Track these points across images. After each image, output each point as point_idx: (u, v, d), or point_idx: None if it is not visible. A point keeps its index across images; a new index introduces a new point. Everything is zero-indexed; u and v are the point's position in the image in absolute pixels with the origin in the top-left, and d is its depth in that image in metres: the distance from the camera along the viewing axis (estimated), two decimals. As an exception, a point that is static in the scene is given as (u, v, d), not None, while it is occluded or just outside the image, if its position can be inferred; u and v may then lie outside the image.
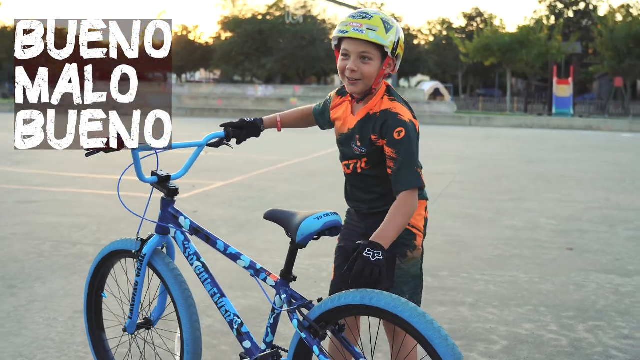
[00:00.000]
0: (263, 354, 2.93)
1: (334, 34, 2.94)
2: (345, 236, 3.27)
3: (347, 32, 2.85)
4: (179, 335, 3.22)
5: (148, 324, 3.46)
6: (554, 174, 13.91)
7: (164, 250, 3.36)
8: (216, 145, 3.38)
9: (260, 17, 66.60)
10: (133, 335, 3.51)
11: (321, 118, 3.38)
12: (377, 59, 2.88)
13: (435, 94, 50.50)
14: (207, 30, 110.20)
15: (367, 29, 2.82)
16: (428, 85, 52.72)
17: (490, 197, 10.62)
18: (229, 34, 68.36)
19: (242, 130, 3.39)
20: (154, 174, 3.26)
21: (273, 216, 2.90)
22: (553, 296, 5.60)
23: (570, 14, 69.23)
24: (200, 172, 12.72)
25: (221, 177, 12.20)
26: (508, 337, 4.65)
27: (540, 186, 12.06)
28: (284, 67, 64.82)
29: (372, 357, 3.06)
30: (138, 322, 3.45)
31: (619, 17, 47.00)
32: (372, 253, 2.61)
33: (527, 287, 5.83)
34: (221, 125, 3.43)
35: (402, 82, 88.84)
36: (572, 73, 42.96)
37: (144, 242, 3.32)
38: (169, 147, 3.07)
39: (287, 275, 2.84)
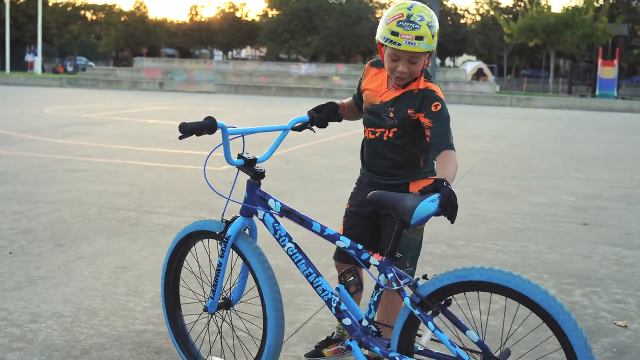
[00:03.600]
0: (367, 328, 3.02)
1: (384, 38, 3.12)
2: (356, 202, 3.60)
3: (400, 44, 3.06)
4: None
5: (227, 304, 3.48)
6: (585, 154, 14.19)
7: (247, 232, 3.40)
8: (300, 129, 3.48)
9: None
10: (212, 315, 3.56)
11: (359, 102, 3.63)
12: (423, 58, 3.17)
13: (479, 74, 50.37)
14: (254, 8, 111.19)
15: (417, 39, 3.05)
16: (471, 65, 52.55)
17: (518, 175, 10.98)
18: (275, 12, 68.80)
19: (320, 113, 3.51)
20: (240, 156, 3.29)
21: (380, 199, 2.84)
22: (557, 265, 6.01)
23: (620, -6, 68.20)
24: (239, 146, 13.27)
25: (257, 152, 12.68)
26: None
27: (569, 165, 12.37)
28: (329, 45, 65.09)
29: (485, 330, 3.18)
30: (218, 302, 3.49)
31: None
32: (450, 186, 2.74)
33: (535, 257, 6.23)
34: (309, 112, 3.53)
35: (448, 62, 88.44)
36: (618, 55, 42.60)
37: (228, 223, 3.35)
38: (256, 130, 3.27)
39: (392, 254, 2.89)
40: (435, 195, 2.69)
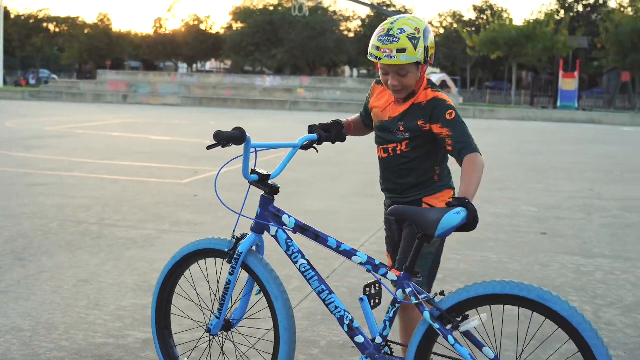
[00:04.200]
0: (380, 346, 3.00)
1: (370, 54, 3.15)
2: (387, 227, 3.53)
3: (380, 58, 3.08)
4: None
5: (228, 324, 3.40)
6: (546, 166, 14.38)
7: (254, 248, 3.34)
8: (306, 147, 3.46)
9: (271, 8, 67.01)
10: (214, 337, 3.45)
11: (367, 120, 3.60)
12: (413, 70, 3.14)
13: (442, 86, 50.78)
14: (218, 21, 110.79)
15: (397, 52, 3.04)
16: (435, 77, 52.90)
17: (480, 186, 11.03)
18: (240, 25, 68.80)
19: (330, 133, 3.50)
20: (253, 172, 3.21)
21: (403, 213, 2.89)
22: (517, 274, 6.09)
23: (580, 8, 69.33)
24: (202, 159, 13.26)
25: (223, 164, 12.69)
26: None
27: (530, 177, 12.53)
28: (294, 57, 65.22)
29: (499, 347, 3.23)
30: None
31: (629, 11, 47.20)
32: (472, 204, 2.81)
33: (495, 266, 6.32)
34: (310, 127, 3.53)
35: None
36: (578, 67, 43.25)
37: (238, 240, 3.29)
38: (268, 146, 3.24)
39: (412, 269, 2.89)
40: (460, 208, 2.74)
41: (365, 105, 3.57)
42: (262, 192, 3.27)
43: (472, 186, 2.98)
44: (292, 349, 3.18)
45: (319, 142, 3.47)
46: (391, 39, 3.06)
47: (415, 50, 3.06)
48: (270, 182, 3.24)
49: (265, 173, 3.23)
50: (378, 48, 3.08)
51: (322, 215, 8.37)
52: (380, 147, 3.39)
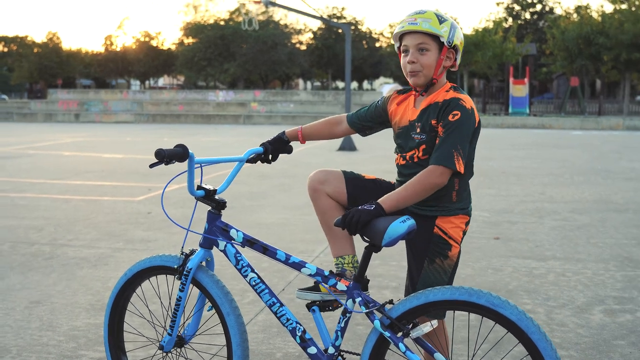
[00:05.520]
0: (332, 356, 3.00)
1: (394, 34, 3.15)
2: None
3: (403, 27, 3.06)
4: None
5: (181, 341, 3.38)
6: (497, 171, 14.57)
7: (204, 264, 3.33)
8: (254, 160, 3.46)
9: (222, 23, 66.95)
10: (167, 353, 3.41)
11: (361, 121, 3.48)
12: (434, 49, 3.05)
13: (395, 96, 51.05)
14: (169, 37, 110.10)
15: (421, 21, 3.02)
16: (388, 87, 53.32)
17: (432, 194, 11.16)
18: (191, 40, 68.61)
19: (273, 146, 3.48)
20: (200, 187, 3.21)
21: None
22: (471, 279, 6.16)
23: (527, 15, 70.44)
24: (157, 176, 13.17)
25: (177, 180, 12.65)
26: (422, 314, 5.17)
27: (481, 182, 12.67)
28: (246, 71, 65.23)
29: (451, 351, 3.20)
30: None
31: (575, 17, 48.10)
32: (363, 205, 2.78)
33: (449, 272, 6.37)
34: (261, 145, 3.50)
35: (366, 84, 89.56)
36: (528, 73, 43.90)
37: (187, 256, 3.27)
38: (213, 161, 3.21)
39: (361, 279, 2.89)
40: (405, 217, 2.74)
41: (369, 107, 3.47)
42: (209, 208, 3.25)
43: (399, 197, 2.88)
44: None
45: (265, 154, 3.45)
46: (418, 11, 3.09)
47: (440, 25, 3.03)
48: (217, 197, 3.22)
49: (211, 188, 3.21)
50: (403, 21, 3.10)
51: (277, 228, 8.38)
52: (400, 155, 3.26)
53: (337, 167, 15.15)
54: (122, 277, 3.46)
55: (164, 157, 2.89)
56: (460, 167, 2.93)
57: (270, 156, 3.51)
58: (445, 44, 3.04)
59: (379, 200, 2.85)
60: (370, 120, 3.45)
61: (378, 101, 3.43)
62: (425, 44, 3.04)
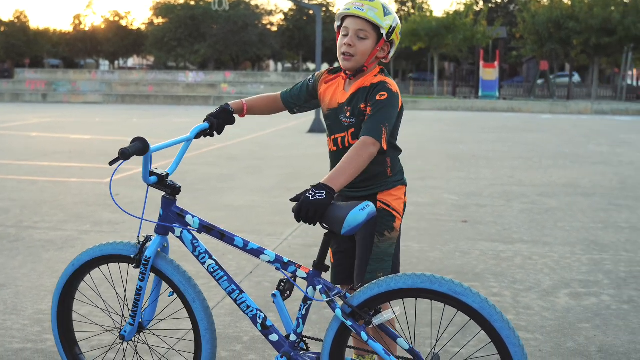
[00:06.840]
0: (295, 343, 2.96)
1: (338, 13, 3.18)
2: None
3: (349, 9, 3.10)
4: None
5: (140, 327, 3.31)
6: (467, 154, 14.63)
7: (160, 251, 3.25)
8: (199, 137, 3.35)
9: (193, 3, 66.37)
10: (127, 342, 3.35)
11: (294, 100, 3.50)
12: (372, 38, 3.12)
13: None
14: (139, 16, 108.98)
15: (367, 8, 3.07)
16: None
17: (402, 177, 11.19)
18: (161, 20, 67.94)
19: (218, 119, 3.38)
20: (152, 173, 3.10)
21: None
22: (439, 262, 6.19)
23: (498, -1, 70.65)
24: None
25: (138, 163, 12.54)
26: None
27: (451, 165, 12.73)
28: (217, 52, 64.74)
29: (414, 336, 3.22)
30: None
31: (545, 1, 48.28)
32: (313, 193, 2.68)
33: (417, 255, 6.40)
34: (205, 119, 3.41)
35: (336, 66, 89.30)
36: (498, 57, 44.07)
37: (143, 244, 3.19)
38: (165, 146, 3.12)
39: (320, 265, 2.84)
40: (365, 203, 2.71)
41: (302, 85, 3.50)
42: (164, 193, 3.18)
43: (343, 175, 2.83)
44: (214, 346, 3.16)
45: (211, 129, 3.35)
46: None
47: (384, 17, 3.11)
48: (169, 181, 3.14)
49: (163, 173, 3.13)
50: (350, 3, 3.14)
51: (245, 210, 8.35)
52: (330, 138, 3.32)
53: (306, 149, 15.14)
54: (69, 266, 3.34)
55: (129, 155, 2.83)
56: (384, 144, 2.99)
57: (215, 131, 3.41)
58: (384, 36, 3.13)
59: (325, 182, 2.76)
60: (303, 100, 3.51)
61: (310, 79, 3.48)
62: (366, 31, 3.12)
